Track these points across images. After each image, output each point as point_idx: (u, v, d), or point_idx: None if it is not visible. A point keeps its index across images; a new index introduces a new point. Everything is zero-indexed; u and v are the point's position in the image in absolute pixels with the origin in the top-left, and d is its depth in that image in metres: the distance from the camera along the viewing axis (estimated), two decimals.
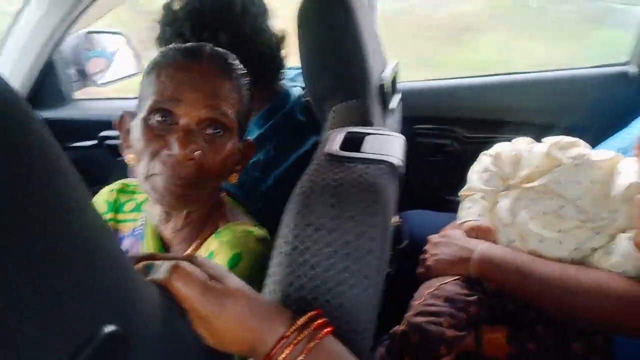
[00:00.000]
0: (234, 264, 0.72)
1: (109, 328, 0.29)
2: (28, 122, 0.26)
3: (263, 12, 1.11)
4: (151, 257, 0.45)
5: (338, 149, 0.70)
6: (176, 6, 1.07)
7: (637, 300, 0.85)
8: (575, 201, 0.95)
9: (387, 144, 0.73)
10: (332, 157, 0.68)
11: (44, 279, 0.26)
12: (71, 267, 0.28)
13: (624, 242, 0.89)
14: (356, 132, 0.76)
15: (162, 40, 1.08)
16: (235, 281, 0.48)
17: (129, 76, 1.67)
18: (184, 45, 0.77)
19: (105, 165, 1.65)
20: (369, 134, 0.75)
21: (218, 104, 0.72)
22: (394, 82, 1.12)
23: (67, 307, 0.27)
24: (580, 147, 0.99)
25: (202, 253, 0.78)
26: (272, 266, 0.59)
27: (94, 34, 1.62)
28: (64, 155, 0.29)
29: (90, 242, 0.30)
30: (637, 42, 1.37)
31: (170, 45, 0.78)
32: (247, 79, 0.80)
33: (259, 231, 0.80)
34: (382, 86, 1.05)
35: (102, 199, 0.93)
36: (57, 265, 0.27)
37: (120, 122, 0.81)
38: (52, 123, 1.66)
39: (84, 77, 1.64)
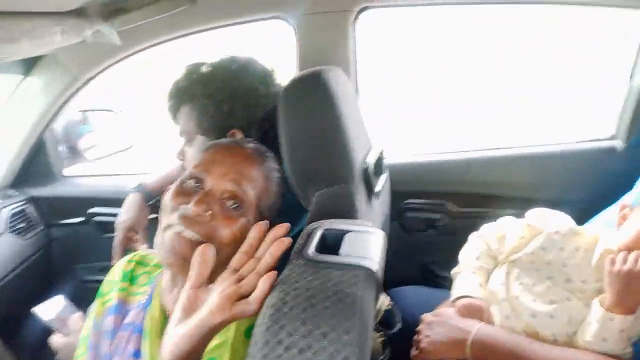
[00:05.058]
0: (213, 350, 0.73)
1: None
2: None
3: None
4: None
5: (314, 252, 0.68)
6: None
7: None
8: (561, 268, 0.95)
9: (366, 244, 0.71)
10: (308, 261, 0.66)
11: None
12: None
13: (596, 307, 0.89)
14: (334, 230, 0.74)
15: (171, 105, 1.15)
16: None
17: (120, 152, 1.68)
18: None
19: (93, 241, 1.63)
20: (347, 231, 0.73)
21: (241, 180, 0.81)
22: (378, 164, 1.11)
23: None
24: (560, 217, 1.01)
25: None
26: None
27: (86, 112, 1.65)
28: None
29: None
30: (621, 116, 1.38)
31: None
32: (278, 175, 0.91)
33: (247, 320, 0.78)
34: (365, 170, 1.04)
35: (119, 268, 0.96)
36: None
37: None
38: (42, 200, 1.66)
39: (74, 153, 1.65)
